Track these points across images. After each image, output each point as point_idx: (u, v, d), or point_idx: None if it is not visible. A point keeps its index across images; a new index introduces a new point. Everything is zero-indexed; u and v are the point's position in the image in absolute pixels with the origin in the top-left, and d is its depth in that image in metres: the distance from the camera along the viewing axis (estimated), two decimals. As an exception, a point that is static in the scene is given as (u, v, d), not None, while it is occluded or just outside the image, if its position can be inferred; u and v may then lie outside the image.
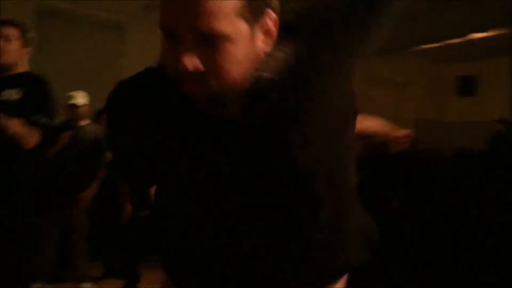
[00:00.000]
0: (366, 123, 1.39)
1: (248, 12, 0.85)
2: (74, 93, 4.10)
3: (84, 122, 4.19)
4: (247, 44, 0.87)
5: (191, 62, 0.83)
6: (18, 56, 2.25)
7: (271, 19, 0.91)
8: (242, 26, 0.85)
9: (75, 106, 4.12)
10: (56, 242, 4.08)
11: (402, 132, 1.50)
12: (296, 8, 0.94)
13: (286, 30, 0.92)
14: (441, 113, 9.28)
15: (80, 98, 4.14)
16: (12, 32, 2.30)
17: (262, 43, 0.91)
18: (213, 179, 0.96)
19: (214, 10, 0.81)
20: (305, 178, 0.94)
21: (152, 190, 1.21)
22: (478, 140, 5.26)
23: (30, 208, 2.41)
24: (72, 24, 5.76)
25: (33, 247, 3.88)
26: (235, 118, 0.90)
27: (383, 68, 8.39)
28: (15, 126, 2.18)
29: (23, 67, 2.39)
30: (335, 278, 1.07)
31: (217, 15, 0.81)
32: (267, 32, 0.91)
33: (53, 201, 3.91)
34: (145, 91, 0.98)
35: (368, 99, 8.60)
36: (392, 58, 8.02)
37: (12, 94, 2.25)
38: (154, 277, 3.23)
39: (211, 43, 0.83)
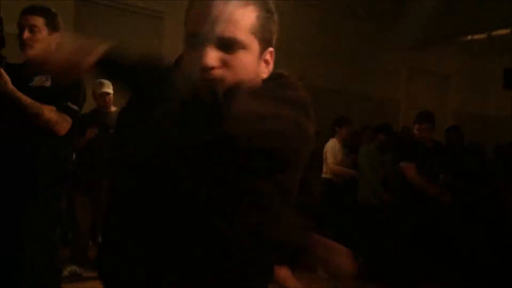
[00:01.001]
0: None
1: (260, 35, 1.04)
2: (105, 81, 4.07)
3: (114, 109, 4.21)
4: (255, 59, 1.05)
5: (212, 60, 0.99)
6: (47, 44, 2.20)
7: (271, 54, 1.11)
8: (255, 43, 1.04)
9: (106, 93, 4.14)
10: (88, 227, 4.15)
11: None
12: None
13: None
14: (485, 107, 8.95)
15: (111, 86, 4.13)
16: (38, 21, 2.28)
17: (262, 68, 1.09)
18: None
19: (236, 22, 1.00)
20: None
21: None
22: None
23: (62, 192, 2.42)
24: (110, 12, 5.82)
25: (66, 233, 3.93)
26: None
27: (426, 60, 8.13)
28: (49, 112, 2.18)
29: None
30: None
31: (238, 26, 1.00)
32: (266, 62, 1.10)
33: (87, 186, 3.97)
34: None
35: (411, 91, 8.40)
36: (436, 49, 7.76)
37: (44, 81, 2.24)
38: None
39: (229, 48, 1.00)
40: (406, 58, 8.00)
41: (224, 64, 1.01)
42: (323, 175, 5.37)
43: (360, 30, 7.29)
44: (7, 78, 2.04)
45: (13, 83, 2.06)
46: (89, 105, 3.68)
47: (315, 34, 6.89)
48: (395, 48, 7.45)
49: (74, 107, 2.30)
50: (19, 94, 2.07)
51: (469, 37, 7.37)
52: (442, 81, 8.87)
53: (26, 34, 2.25)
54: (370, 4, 6.73)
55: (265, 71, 1.11)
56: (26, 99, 2.09)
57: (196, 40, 1.01)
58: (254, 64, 1.06)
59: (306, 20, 6.71)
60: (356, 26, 7.26)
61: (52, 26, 2.34)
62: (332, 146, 5.35)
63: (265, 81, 1.10)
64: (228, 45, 1.00)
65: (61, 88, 2.23)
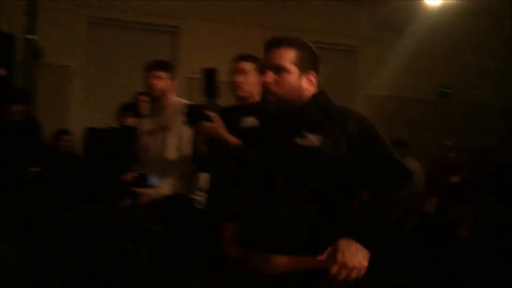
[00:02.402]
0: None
1: (299, 63, 1.59)
2: None
3: None
4: (296, 79, 1.59)
5: (270, 79, 1.58)
6: (254, 87, 2.49)
7: (313, 76, 1.64)
8: (294, 69, 1.59)
9: None
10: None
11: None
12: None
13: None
14: None
15: None
16: (248, 66, 2.53)
17: (305, 85, 1.62)
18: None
19: (281, 55, 1.59)
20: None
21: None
22: None
23: None
24: (123, 31, 5.64)
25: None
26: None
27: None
28: None
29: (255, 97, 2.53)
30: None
31: (282, 58, 1.58)
32: (309, 81, 1.63)
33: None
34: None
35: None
36: None
37: (253, 121, 2.31)
38: None
39: (278, 72, 1.58)
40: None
41: (275, 82, 1.59)
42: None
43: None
44: (220, 122, 2.26)
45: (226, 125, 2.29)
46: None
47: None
48: None
49: None
50: (229, 136, 2.28)
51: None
52: None
53: (238, 78, 2.52)
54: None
55: (309, 88, 1.63)
56: (235, 140, 2.27)
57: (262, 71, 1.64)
58: (296, 82, 1.60)
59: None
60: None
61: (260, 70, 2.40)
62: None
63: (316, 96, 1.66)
64: (277, 70, 1.58)
65: None
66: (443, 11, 5.50)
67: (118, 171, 3.21)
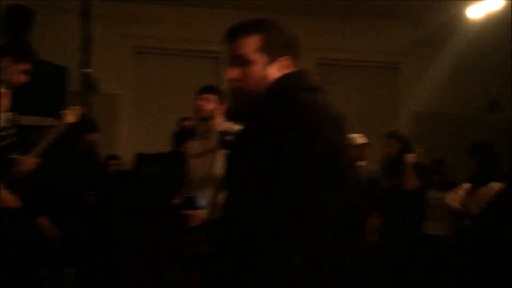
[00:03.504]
0: None
1: (266, 49, 1.35)
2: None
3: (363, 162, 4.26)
4: (263, 68, 1.35)
5: (233, 75, 1.37)
6: None
7: (287, 59, 1.37)
8: (260, 56, 1.34)
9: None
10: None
11: None
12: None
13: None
14: None
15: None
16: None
17: (277, 73, 1.36)
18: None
19: (242, 44, 1.35)
20: None
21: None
22: None
23: None
24: (166, 59, 5.86)
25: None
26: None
27: None
28: None
29: None
30: None
31: (243, 47, 1.34)
32: (282, 66, 1.37)
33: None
34: None
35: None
36: None
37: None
38: None
39: (242, 64, 1.35)
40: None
41: (238, 75, 1.37)
42: None
43: None
44: None
45: None
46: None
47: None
48: None
49: None
50: None
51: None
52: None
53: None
54: None
55: (276, 75, 1.36)
56: None
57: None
58: (262, 72, 1.35)
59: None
60: None
61: None
62: None
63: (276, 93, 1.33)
64: (240, 61, 1.36)
65: None
66: (485, 24, 5.41)
67: (168, 194, 3.31)
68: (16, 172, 2.60)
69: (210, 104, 3.01)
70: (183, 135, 4.16)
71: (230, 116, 1.57)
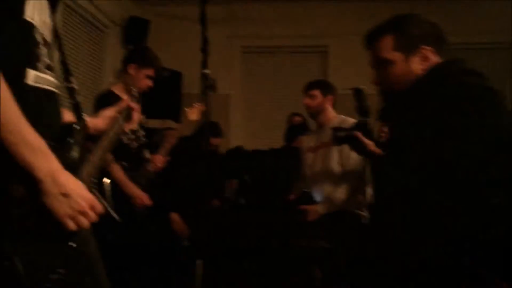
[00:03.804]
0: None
1: (401, 46, 1.45)
2: None
3: None
4: (403, 65, 1.45)
5: (375, 78, 1.52)
6: None
7: (427, 50, 1.44)
8: (396, 55, 1.46)
9: None
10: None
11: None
12: None
13: None
14: None
15: None
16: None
17: (417, 65, 1.44)
18: None
19: (378, 47, 1.49)
20: None
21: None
22: None
23: None
24: (274, 56, 5.94)
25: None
26: None
27: None
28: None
29: None
30: None
31: (379, 50, 1.48)
32: (423, 58, 1.45)
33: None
34: None
35: None
36: None
37: None
38: None
39: (381, 66, 1.48)
40: None
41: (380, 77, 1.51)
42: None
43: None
44: (367, 142, 2.17)
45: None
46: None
47: None
48: None
49: None
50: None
51: None
52: None
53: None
54: None
55: (423, 66, 1.45)
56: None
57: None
58: (403, 69, 1.45)
59: None
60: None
61: None
62: None
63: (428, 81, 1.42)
64: (380, 63, 1.50)
65: None
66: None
67: (283, 190, 3.35)
68: (148, 171, 2.79)
69: (315, 100, 3.04)
70: (295, 130, 4.18)
71: (383, 117, 1.63)
